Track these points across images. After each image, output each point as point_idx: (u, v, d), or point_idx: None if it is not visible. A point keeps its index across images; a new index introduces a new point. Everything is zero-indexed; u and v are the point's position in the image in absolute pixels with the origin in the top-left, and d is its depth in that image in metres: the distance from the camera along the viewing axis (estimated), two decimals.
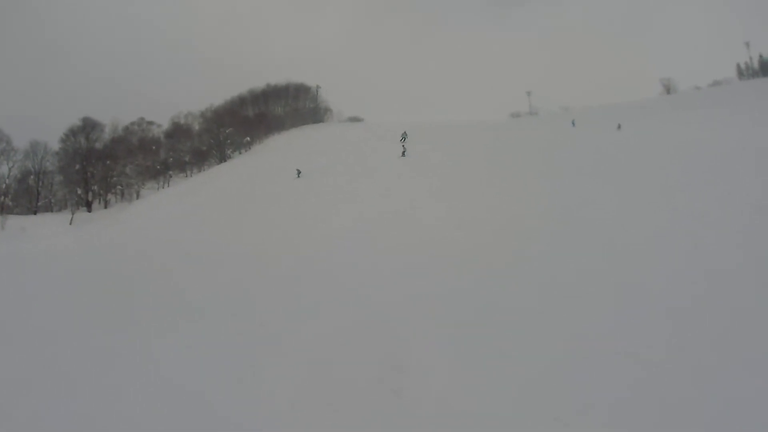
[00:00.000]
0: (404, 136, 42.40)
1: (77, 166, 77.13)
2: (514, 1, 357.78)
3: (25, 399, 9.50)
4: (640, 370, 7.59)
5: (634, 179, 21.84)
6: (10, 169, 73.27)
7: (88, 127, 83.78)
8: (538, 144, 39.03)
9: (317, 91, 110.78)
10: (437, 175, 32.20)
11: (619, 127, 47.04)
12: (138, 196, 76.80)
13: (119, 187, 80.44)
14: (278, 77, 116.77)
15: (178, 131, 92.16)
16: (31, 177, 75.59)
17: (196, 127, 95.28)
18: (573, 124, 54.24)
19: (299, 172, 45.16)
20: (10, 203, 69.84)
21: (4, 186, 70.94)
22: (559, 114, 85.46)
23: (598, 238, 15.11)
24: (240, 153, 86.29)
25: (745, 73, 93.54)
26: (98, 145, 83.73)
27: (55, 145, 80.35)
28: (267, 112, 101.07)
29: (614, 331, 9.06)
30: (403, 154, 41.34)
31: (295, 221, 28.65)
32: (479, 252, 15.90)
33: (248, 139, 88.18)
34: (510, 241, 16.59)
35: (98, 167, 77.44)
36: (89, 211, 72.56)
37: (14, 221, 58.87)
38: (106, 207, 75.75)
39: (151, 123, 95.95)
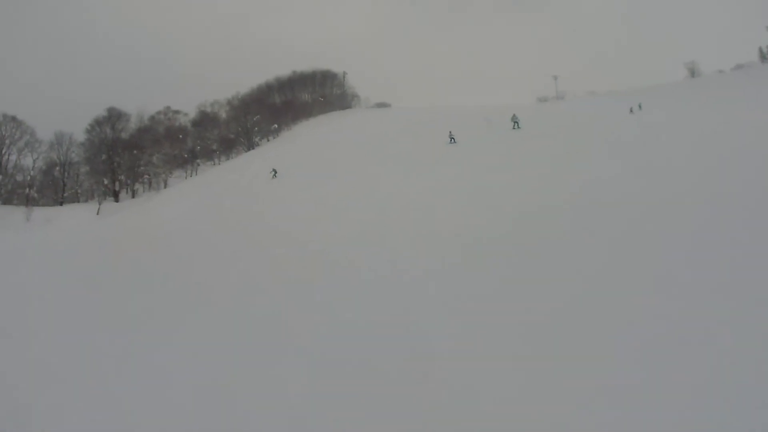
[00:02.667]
0: (452, 137, 42.49)
1: (103, 157, 76.09)
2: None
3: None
4: None
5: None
6: (34, 161, 72.14)
7: (114, 117, 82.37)
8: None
9: (344, 77, 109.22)
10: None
11: (631, 110, 47.04)
12: (165, 185, 75.56)
13: (146, 176, 79.17)
14: (304, 65, 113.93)
15: (204, 120, 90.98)
16: (57, 168, 74.24)
17: (223, 115, 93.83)
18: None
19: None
20: (36, 195, 68.66)
21: (29, 178, 69.95)
22: (586, 98, 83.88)
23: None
24: (268, 140, 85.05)
25: (767, 56, 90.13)
26: (124, 135, 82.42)
27: (80, 136, 79.26)
28: (294, 100, 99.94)
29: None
30: (452, 140, 41.99)
31: (321, 209, 29.32)
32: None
33: (276, 126, 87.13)
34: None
35: (125, 157, 76.26)
36: (116, 201, 71.54)
37: (40, 213, 57.57)
38: (133, 196, 74.52)
39: (177, 112, 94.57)
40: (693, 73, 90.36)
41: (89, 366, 14.18)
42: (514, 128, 42.17)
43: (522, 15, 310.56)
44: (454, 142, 41.52)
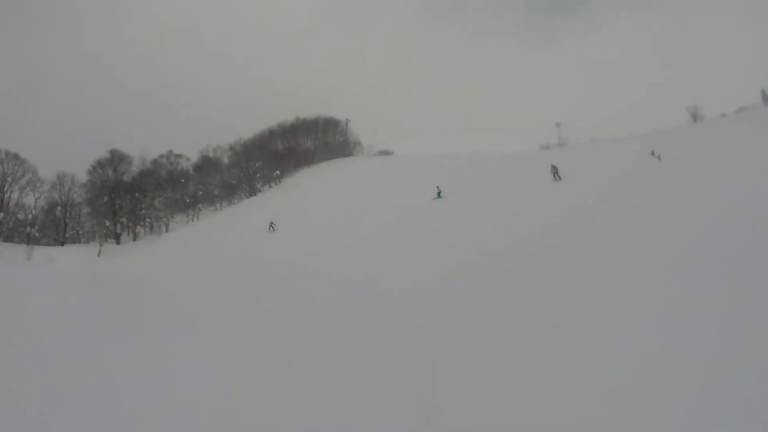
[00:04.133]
0: (439, 190, 43.36)
1: (105, 198, 75.28)
2: (544, 38, 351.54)
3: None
4: None
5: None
6: (36, 200, 71.45)
7: (116, 159, 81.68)
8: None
9: (347, 124, 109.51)
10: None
11: (658, 157, 44.68)
12: (167, 229, 75.25)
13: (148, 219, 78.32)
14: (307, 111, 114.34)
15: (207, 164, 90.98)
16: (58, 208, 73.63)
17: (226, 160, 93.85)
18: (655, 155, 48.89)
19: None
20: (37, 234, 67.95)
21: (30, 216, 69.18)
22: (587, 145, 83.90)
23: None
24: (270, 186, 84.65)
25: None
26: (126, 178, 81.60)
27: (82, 177, 78.56)
28: (296, 146, 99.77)
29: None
30: (439, 195, 42.72)
31: (319, 242, 31.76)
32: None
33: (278, 172, 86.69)
34: None
35: (126, 200, 75.51)
36: (118, 243, 70.77)
37: (41, 252, 56.82)
38: (135, 239, 73.81)
39: (179, 156, 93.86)
40: (695, 117, 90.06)
41: (96, 371, 14.51)
42: (555, 179, 39.68)
43: (530, 61, 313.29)
44: (441, 197, 42.07)
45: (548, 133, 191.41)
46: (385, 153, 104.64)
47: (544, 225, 24.15)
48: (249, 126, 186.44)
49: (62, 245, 68.19)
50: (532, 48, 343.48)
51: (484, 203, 34.79)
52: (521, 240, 22.17)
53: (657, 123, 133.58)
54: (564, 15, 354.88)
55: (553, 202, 30.65)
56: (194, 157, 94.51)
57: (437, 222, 31.90)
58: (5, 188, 68.91)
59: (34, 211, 70.41)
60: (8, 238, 65.04)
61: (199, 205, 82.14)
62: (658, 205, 23.25)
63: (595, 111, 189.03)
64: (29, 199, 71.19)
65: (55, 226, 73.25)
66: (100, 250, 61.39)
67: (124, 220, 74.95)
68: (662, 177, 31.27)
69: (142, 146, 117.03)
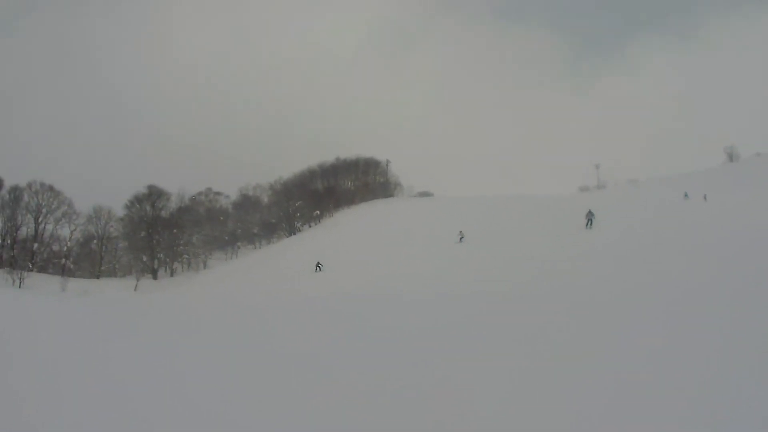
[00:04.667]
0: (461, 235, 44.53)
1: (143, 234, 73.90)
2: (581, 82, 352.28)
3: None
4: None
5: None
6: (72, 232, 70.15)
7: (154, 195, 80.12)
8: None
9: (387, 165, 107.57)
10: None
11: (704, 197, 46.56)
12: (205, 266, 73.63)
13: (186, 256, 76.55)
14: (348, 152, 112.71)
15: (246, 203, 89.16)
16: (94, 241, 72.49)
17: (265, 199, 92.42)
18: (686, 196, 50.58)
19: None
20: (72, 266, 66.56)
21: (65, 248, 67.97)
22: (626, 187, 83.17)
23: None
24: (309, 226, 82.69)
25: None
26: (164, 214, 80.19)
27: (118, 211, 77.25)
28: (336, 186, 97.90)
29: None
30: (461, 239, 44.00)
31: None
32: None
33: (317, 212, 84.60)
34: None
35: (164, 235, 74.05)
36: (155, 278, 68.92)
37: (76, 284, 54.91)
38: (172, 275, 72.08)
39: (218, 194, 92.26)
40: (731, 157, 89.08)
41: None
42: (587, 226, 38.64)
43: (563, 103, 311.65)
44: (462, 242, 43.15)
45: (587, 175, 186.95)
46: (425, 194, 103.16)
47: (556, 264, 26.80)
48: (287, 166, 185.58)
49: (98, 278, 66.35)
50: (569, 90, 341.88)
51: (508, 246, 37.05)
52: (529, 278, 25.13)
53: (694, 163, 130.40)
54: (598, 58, 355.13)
55: (574, 245, 32.52)
56: (233, 196, 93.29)
57: (456, 262, 34.58)
58: (40, 219, 67.79)
59: (69, 243, 69.20)
60: (42, 269, 63.47)
61: (238, 243, 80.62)
62: (681, 242, 26.46)
63: (633, 152, 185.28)
64: (64, 231, 70.07)
65: (90, 259, 71.96)
66: (137, 285, 59.59)
67: (161, 255, 73.40)
68: (691, 217, 34.85)
69: (180, 183, 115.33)
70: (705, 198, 45.40)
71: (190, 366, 16.20)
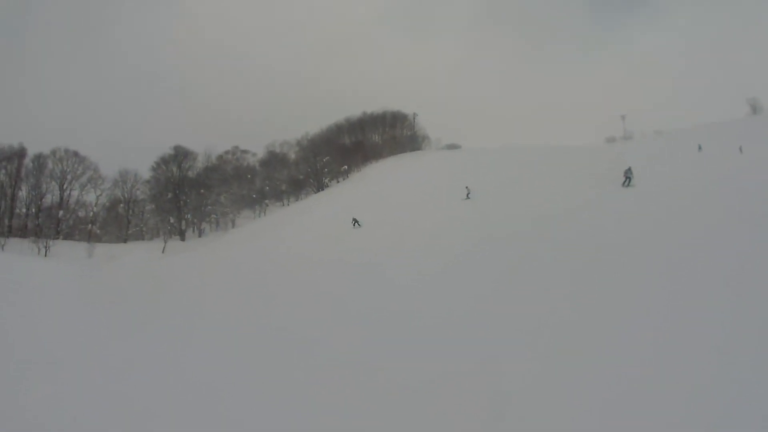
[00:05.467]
0: (468, 191, 41.99)
1: (169, 195, 73.51)
2: (605, 36, 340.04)
3: None
4: None
5: None
6: (97, 197, 70.28)
7: (180, 155, 79.51)
8: None
9: (414, 118, 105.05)
10: None
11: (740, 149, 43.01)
12: (233, 225, 72.77)
13: (214, 216, 75.87)
14: (374, 105, 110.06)
15: (273, 160, 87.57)
16: (121, 205, 72.34)
17: (292, 156, 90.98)
18: (699, 148, 47.56)
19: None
20: (98, 231, 66.55)
21: (91, 214, 67.98)
22: (652, 137, 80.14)
23: None
24: (338, 181, 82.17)
25: None
26: (191, 174, 79.66)
27: (144, 174, 76.92)
28: (364, 141, 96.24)
29: None
30: (468, 196, 41.37)
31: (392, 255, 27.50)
32: None
33: (345, 167, 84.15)
34: None
35: (191, 196, 73.43)
36: (182, 239, 68.42)
37: (103, 249, 54.83)
38: (200, 236, 71.35)
39: (245, 152, 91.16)
40: (755, 109, 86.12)
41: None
42: (625, 185, 32.53)
43: (594, 53, 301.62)
44: (469, 198, 40.80)
45: (614, 125, 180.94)
46: (452, 146, 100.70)
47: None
48: (314, 122, 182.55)
49: (125, 242, 66.25)
50: (594, 45, 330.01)
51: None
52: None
53: (718, 114, 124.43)
54: (623, 12, 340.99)
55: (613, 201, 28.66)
56: (260, 153, 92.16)
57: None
58: (65, 186, 67.59)
59: (95, 209, 69.16)
60: (68, 236, 63.28)
61: (266, 201, 79.40)
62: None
63: (658, 103, 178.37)
64: (90, 197, 70.10)
65: (117, 224, 71.62)
66: (164, 247, 59.04)
67: (189, 216, 72.89)
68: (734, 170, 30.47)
69: (206, 143, 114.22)
70: (741, 150, 42.49)
71: (194, 354, 16.07)
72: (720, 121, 72.49)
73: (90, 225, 64.92)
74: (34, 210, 64.86)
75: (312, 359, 14.43)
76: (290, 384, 12.66)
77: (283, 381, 12.90)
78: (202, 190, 74.34)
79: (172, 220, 70.48)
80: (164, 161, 78.69)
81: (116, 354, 16.29)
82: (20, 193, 65.36)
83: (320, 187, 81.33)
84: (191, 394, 12.41)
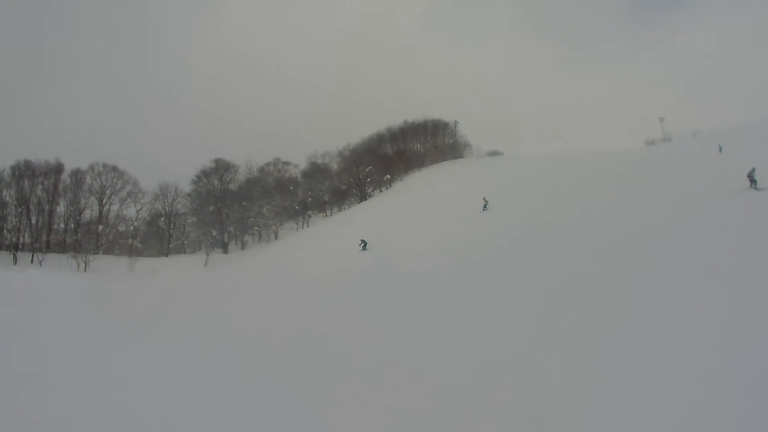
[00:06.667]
0: (486, 203, 42.01)
1: (211, 208, 72.16)
2: (644, 38, 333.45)
3: None
4: None
5: None
6: (138, 212, 69.15)
7: (221, 168, 78.85)
8: None
9: (455, 126, 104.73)
10: None
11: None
12: (276, 237, 71.48)
13: (256, 228, 74.29)
14: (415, 114, 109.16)
15: (315, 171, 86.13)
16: (162, 219, 71.38)
17: (334, 166, 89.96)
18: (720, 149, 45.45)
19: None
20: (139, 245, 65.45)
21: (132, 228, 66.83)
22: (688, 139, 75.88)
23: None
24: (381, 191, 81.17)
25: None
26: (232, 187, 78.80)
27: (185, 188, 76.16)
28: (406, 149, 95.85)
29: None
30: (485, 207, 41.48)
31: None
32: None
33: (388, 176, 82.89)
34: None
35: (233, 208, 72.21)
36: (225, 252, 67.22)
37: (144, 263, 53.87)
38: (243, 248, 70.13)
39: (287, 163, 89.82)
40: None
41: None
42: (752, 187, 25.42)
43: (635, 55, 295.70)
44: (486, 209, 40.82)
45: (649, 127, 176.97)
46: (494, 154, 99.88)
47: None
48: (356, 132, 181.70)
49: (166, 256, 65.33)
50: (633, 45, 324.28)
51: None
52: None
53: (753, 115, 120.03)
54: (659, 12, 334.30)
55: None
56: (302, 164, 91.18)
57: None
58: (104, 200, 66.81)
59: (135, 223, 68.12)
60: (108, 251, 62.31)
61: (309, 212, 77.73)
62: None
63: (697, 105, 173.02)
64: (130, 211, 69.12)
65: (158, 237, 70.85)
66: (207, 260, 57.77)
67: (231, 228, 71.57)
68: None
69: (247, 156, 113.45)
70: (720, 149, 43.37)
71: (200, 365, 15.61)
72: (759, 121, 69.85)
73: (131, 239, 63.92)
74: (72, 225, 63.97)
75: (344, 365, 13.78)
76: (318, 391, 12.08)
77: (310, 387, 12.40)
78: (244, 203, 73.17)
79: (214, 233, 69.32)
80: (205, 174, 78.08)
81: (141, 364, 15.90)
82: (58, 209, 64.56)
83: (363, 196, 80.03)
84: (206, 405, 11.90)
